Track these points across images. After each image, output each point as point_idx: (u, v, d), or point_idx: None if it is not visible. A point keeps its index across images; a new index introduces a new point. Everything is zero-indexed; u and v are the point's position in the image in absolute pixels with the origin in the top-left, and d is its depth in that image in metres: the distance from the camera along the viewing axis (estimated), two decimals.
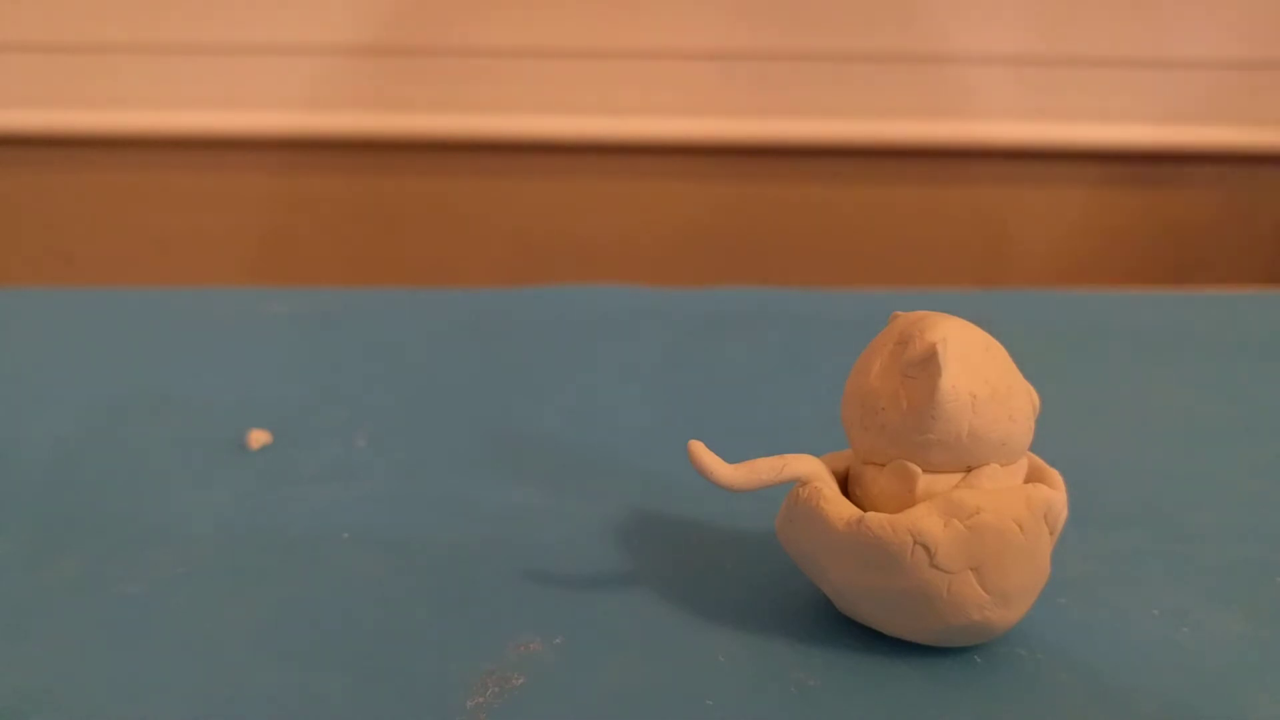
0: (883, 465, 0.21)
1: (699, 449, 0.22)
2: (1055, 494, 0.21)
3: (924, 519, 0.20)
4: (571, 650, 0.22)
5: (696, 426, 0.32)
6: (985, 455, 0.21)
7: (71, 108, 0.64)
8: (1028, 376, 0.22)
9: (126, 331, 0.38)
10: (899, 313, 0.22)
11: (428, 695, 0.21)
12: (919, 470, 0.21)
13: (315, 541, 0.26)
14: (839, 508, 0.21)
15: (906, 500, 0.21)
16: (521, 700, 0.20)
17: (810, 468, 0.22)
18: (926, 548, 0.20)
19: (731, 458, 0.29)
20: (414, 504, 0.28)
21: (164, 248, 0.68)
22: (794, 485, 0.22)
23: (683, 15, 0.62)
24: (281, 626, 0.23)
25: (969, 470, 0.21)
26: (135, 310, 0.40)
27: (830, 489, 0.22)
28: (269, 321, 0.39)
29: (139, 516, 0.27)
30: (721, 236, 0.68)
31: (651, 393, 0.34)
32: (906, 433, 0.21)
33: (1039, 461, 0.22)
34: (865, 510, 0.21)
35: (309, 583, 0.24)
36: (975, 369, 0.20)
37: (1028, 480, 0.22)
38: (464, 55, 0.64)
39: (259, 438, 0.31)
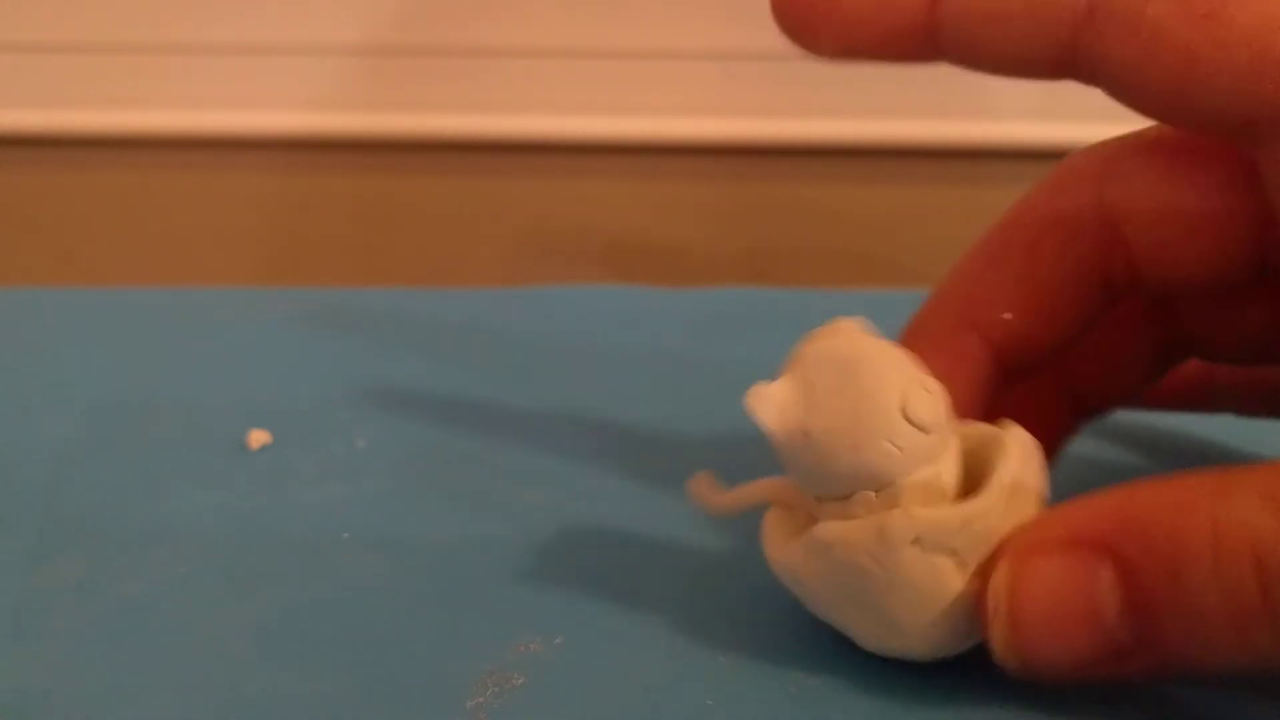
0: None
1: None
2: (926, 517, 0.19)
3: (797, 562, 0.20)
4: (571, 650, 0.22)
5: (696, 427, 0.32)
6: (847, 485, 0.20)
7: (71, 108, 0.64)
8: None
9: (126, 331, 0.38)
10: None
11: (428, 695, 0.21)
12: (811, 500, 0.21)
13: (315, 541, 0.26)
14: (773, 535, 0.21)
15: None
16: (521, 700, 0.20)
17: (767, 491, 0.22)
18: (800, 584, 0.20)
19: (731, 458, 0.29)
20: (414, 504, 0.28)
21: (164, 248, 0.68)
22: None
23: (685, 15, 0.62)
24: (281, 627, 0.23)
25: (848, 496, 0.20)
26: (135, 310, 0.40)
27: (774, 513, 0.22)
28: (269, 321, 0.39)
29: (139, 517, 0.27)
30: (720, 236, 0.68)
31: (651, 393, 0.34)
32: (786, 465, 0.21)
33: (989, 438, 0.20)
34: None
35: (308, 583, 0.24)
36: (819, 400, 0.19)
37: (976, 468, 0.20)
38: (463, 55, 0.63)
39: (259, 438, 0.31)
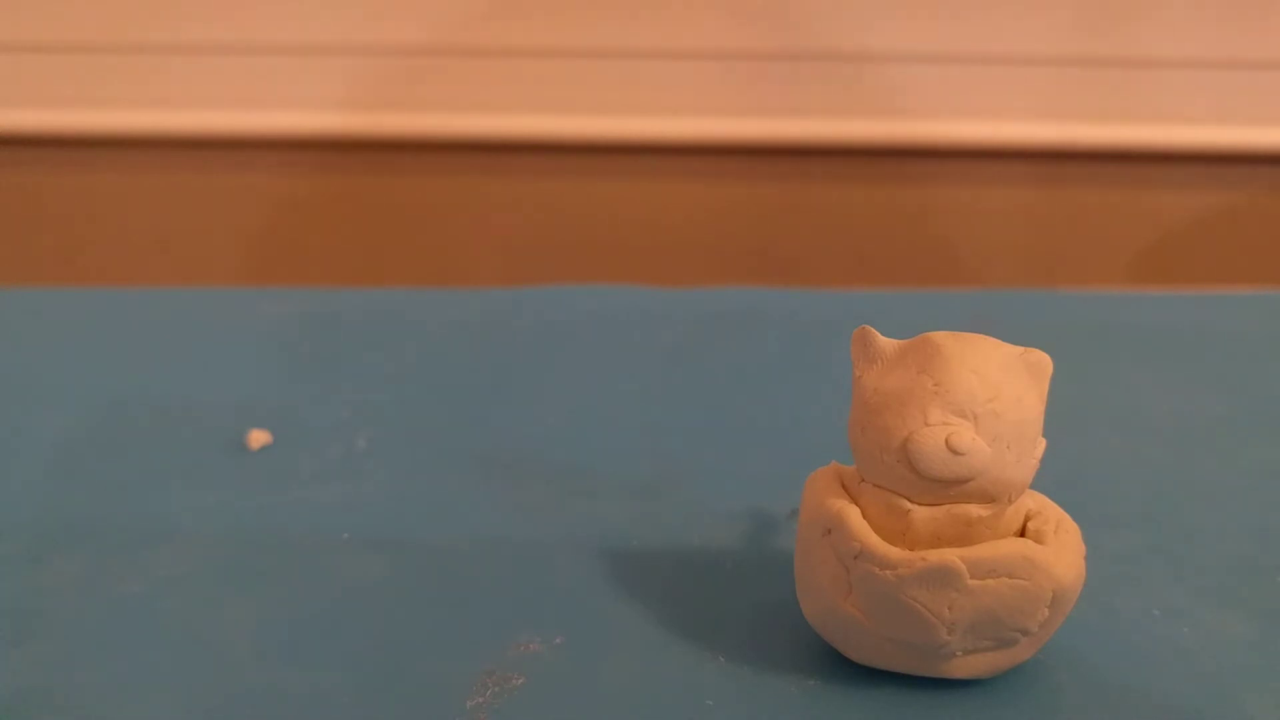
0: None
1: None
2: (839, 514, 0.20)
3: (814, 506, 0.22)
4: (571, 650, 0.22)
5: (696, 426, 0.32)
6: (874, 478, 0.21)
7: (71, 108, 0.64)
8: None
9: (126, 331, 0.38)
10: (929, 335, 0.21)
11: (428, 695, 0.21)
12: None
13: (315, 541, 0.26)
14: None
15: None
16: (521, 700, 0.20)
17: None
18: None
19: (731, 458, 0.29)
20: (414, 504, 0.28)
21: (164, 248, 0.68)
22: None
23: (684, 15, 0.62)
24: (281, 626, 0.23)
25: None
26: (135, 310, 0.40)
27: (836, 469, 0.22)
28: (269, 321, 0.39)
29: (139, 516, 0.27)
30: (721, 236, 0.68)
31: (651, 393, 0.34)
32: None
33: (1038, 509, 0.21)
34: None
35: (309, 583, 0.24)
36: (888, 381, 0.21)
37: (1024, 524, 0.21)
38: (462, 55, 0.63)
39: (259, 438, 0.31)
